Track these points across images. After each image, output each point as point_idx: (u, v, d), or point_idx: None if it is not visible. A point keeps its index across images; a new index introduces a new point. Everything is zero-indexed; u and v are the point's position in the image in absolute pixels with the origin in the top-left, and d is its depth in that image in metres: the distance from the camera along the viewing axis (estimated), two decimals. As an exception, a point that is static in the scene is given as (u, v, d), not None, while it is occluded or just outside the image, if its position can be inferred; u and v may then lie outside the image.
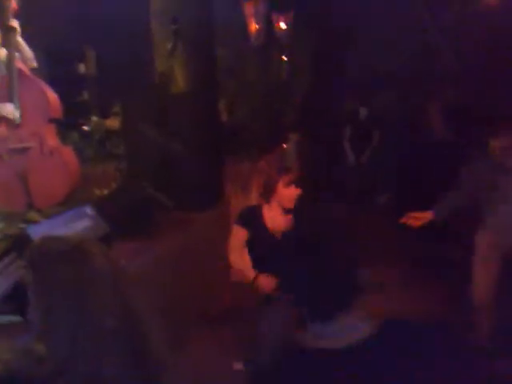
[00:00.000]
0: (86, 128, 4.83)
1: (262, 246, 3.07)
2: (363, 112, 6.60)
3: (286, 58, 7.71)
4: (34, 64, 3.82)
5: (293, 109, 7.42)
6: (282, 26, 7.18)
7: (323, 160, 6.55)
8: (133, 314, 1.56)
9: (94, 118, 4.92)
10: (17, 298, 2.30)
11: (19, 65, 3.68)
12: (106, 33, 4.43)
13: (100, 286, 1.52)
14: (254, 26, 7.05)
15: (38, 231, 2.66)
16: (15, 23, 3.64)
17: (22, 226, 3.53)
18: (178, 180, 4.39)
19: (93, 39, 5.13)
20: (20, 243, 2.64)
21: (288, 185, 3.05)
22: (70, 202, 3.85)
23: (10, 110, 3.65)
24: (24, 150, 3.67)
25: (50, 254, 1.68)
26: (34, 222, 3.72)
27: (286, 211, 3.10)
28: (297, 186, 3.05)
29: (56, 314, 1.53)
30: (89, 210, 3.09)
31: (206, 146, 4.51)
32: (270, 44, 7.42)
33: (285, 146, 5.83)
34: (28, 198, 3.64)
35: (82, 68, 5.88)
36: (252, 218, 3.15)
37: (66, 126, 4.21)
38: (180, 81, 4.37)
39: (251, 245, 3.17)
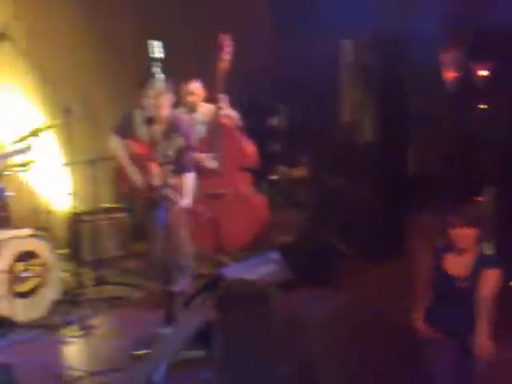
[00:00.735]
0: (274, 177, 5.12)
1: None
2: None
3: (483, 107, 7.22)
4: (239, 122, 4.28)
5: (490, 160, 6.85)
6: (482, 73, 6.79)
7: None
8: (306, 362, 1.56)
9: (282, 168, 5.20)
10: (203, 336, 2.50)
11: (223, 120, 4.14)
12: (297, 88, 4.69)
13: (276, 329, 1.55)
14: (450, 74, 6.83)
15: (230, 273, 2.86)
16: (223, 97, 4.13)
17: (213, 267, 3.84)
18: (361, 229, 4.35)
19: (285, 95, 5.47)
20: (213, 283, 2.87)
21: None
22: (256, 247, 4.07)
23: (209, 160, 4.09)
24: (219, 196, 4.02)
25: (237, 297, 1.79)
26: (223, 265, 4.02)
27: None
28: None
29: (234, 355, 1.61)
30: (275, 256, 3.23)
31: (392, 196, 4.42)
32: (467, 92, 7.06)
33: (478, 199, 5.38)
34: (219, 241, 3.95)
35: (273, 121, 6.29)
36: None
37: (258, 175, 4.53)
38: (368, 130, 4.39)
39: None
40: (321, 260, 3.89)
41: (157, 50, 2.91)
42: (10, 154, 3.29)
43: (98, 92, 4.99)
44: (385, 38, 4.49)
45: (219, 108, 4.18)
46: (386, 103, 4.40)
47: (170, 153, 3.53)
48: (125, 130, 3.71)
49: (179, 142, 3.61)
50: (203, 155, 4.13)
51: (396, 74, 4.52)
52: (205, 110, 4.31)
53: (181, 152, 3.59)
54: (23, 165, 3.99)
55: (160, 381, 2.59)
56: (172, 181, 3.47)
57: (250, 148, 4.27)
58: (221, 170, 4.14)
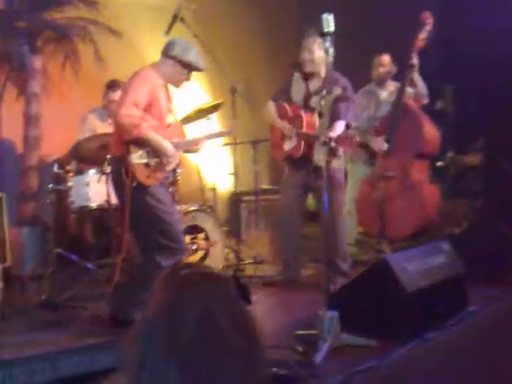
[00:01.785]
0: (439, 163, 4.77)
1: None
2: None
3: None
4: (425, 101, 4.03)
5: None
6: None
7: None
8: None
9: (450, 154, 4.83)
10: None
11: (405, 99, 3.93)
12: (471, 65, 4.28)
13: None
14: None
15: (397, 261, 2.68)
16: (415, 60, 3.90)
17: (375, 254, 3.66)
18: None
19: (454, 76, 5.07)
20: (378, 270, 2.71)
21: None
22: (421, 237, 3.80)
23: (381, 143, 3.90)
24: (387, 179, 3.82)
25: None
26: (383, 252, 3.82)
27: None
28: None
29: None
30: (445, 246, 2.97)
31: None
32: None
33: None
34: (381, 225, 3.76)
35: (438, 104, 5.89)
36: None
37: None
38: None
39: None
40: (495, 254, 3.52)
41: (329, 23, 2.78)
42: (207, 137, 3.37)
43: (259, 75, 5.08)
44: None
45: (406, 85, 3.97)
46: None
47: (323, 103, 3.34)
48: (281, 95, 3.77)
49: (337, 92, 3.43)
50: (372, 138, 3.96)
51: None
52: (392, 87, 4.17)
53: (337, 101, 3.47)
54: (191, 143, 4.20)
55: (320, 362, 2.53)
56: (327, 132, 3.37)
57: (431, 133, 4.00)
58: (393, 153, 3.90)
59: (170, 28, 3.66)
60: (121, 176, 2.92)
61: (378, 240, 3.81)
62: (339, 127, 3.44)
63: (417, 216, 3.72)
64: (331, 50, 2.80)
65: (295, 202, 3.66)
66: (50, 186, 4.10)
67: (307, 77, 3.67)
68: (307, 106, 3.66)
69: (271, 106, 3.80)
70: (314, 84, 3.66)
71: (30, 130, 4.50)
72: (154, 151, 2.96)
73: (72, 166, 4.08)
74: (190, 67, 3.04)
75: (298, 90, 3.72)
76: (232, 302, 0.97)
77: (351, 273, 3.49)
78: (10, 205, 3.98)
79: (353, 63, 4.24)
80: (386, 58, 4.20)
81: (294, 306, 3.39)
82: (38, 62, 4.54)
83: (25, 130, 4.51)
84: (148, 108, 2.92)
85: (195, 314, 0.92)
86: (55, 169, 4.08)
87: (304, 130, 3.53)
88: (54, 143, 4.40)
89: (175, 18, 3.67)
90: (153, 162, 2.97)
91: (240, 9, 5.47)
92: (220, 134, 3.52)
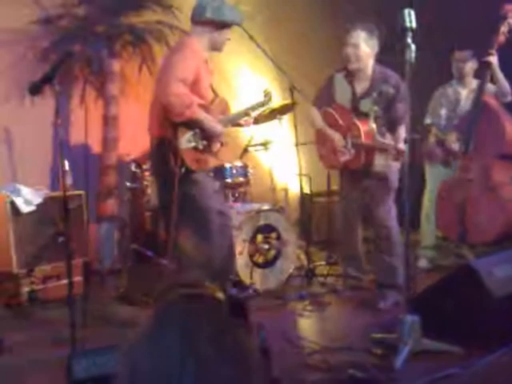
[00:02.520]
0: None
1: None
2: None
3: None
4: (508, 98, 3.83)
5: None
6: None
7: None
8: None
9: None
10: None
11: (485, 97, 3.75)
12: None
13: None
14: None
15: (483, 266, 2.57)
16: (493, 58, 3.71)
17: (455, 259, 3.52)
18: None
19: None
20: (463, 275, 2.61)
21: None
22: (501, 242, 3.62)
23: (454, 141, 3.74)
24: (467, 181, 3.66)
25: None
26: (463, 257, 3.67)
27: None
28: None
29: None
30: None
31: None
32: None
33: None
34: (462, 229, 3.61)
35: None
36: None
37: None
38: None
39: None
40: None
41: (410, 18, 2.70)
42: (253, 108, 3.19)
43: (318, 74, 5.04)
44: None
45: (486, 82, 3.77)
46: None
47: (377, 108, 3.21)
48: (323, 100, 3.45)
49: (389, 93, 3.24)
50: (453, 137, 3.80)
51: None
52: (473, 85, 3.99)
53: (391, 103, 3.24)
54: (263, 144, 4.22)
55: (400, 367, 2.46)
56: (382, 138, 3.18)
57: None
58: (473, 153, 3.72)
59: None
60: (165, 162, 2.69)
61: (458, 244, 3.67)
62: (402, 134, 3.07)
63: (500, 220, 3.54)
64: (413, 47, 2.71)
65: (354, 213, 3.46)
66: (128, 184, 4.25)
67: (351, 77, 3.33)
68: (357, 111, 3.32)
69: (316, 114, 3.47)
70: (361, 84, 3.33)
71: (108, 131, 4.67)
72: (203, 132, 2.76)
73: (148, 165, 4.20)
74: (227, 25, 2.87)
75: (342, 93, 3.38)
76: (219, 326, 0.87)
77: (431, 277, 3.37)
78: (90, 202, 4.15)
79: (434, 60, 4.12)
80: (464, 54, 4.03)
81: (367, 308, 3.32)
82: (116, 66, 4.70)
83: (104, 131, 4.68)
84: (193, 85, 2.70)
85: (175, 339, 0.85)
86: (132, 168, 4.22)
87: (363, 140, 3.19)
88: (131, 143, 4.54)
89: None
90: (201, 144, 2.76)
91: (297, 10, 5.52)
92: (262, 104, 3.25)
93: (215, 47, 2.91)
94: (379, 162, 3.28)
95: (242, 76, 5.30)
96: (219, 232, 2.94)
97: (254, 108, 3.13)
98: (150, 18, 4.67)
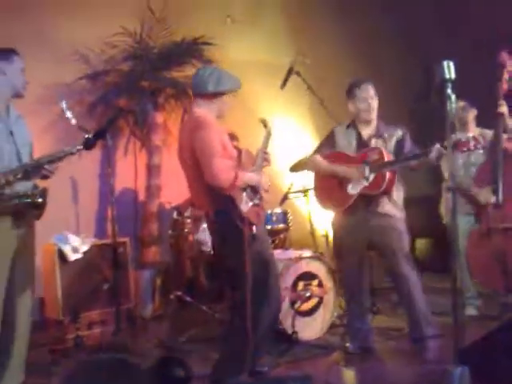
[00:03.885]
0: None
1: None
2: None
3: None
4: None
5: None
6: None
7: None
8: None
9: None
10: None
11: (506, 144, 3.74)
12: None
13: None
14: None
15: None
16: (504, 108, 3.72)
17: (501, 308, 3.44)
18: None
19: None
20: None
21: None
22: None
23: (488, 194, 3.72)
24: (504, 231, 3.61)
25: None
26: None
27: None
28: None
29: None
30: None
31: None
32: None
33: None
34: (506, 280, 3.53)
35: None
36: None
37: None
38: None
39: None
40: None
41: (450, 70, 2.77)
42: (265, 145, 3.10)
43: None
44: None
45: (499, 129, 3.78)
46: None
47: (390, 148, 3.35)
48: (325, 149, 3.50)
49: (398, 134, 3.39)
50: (476, 190, 3.79)
51: None
52: (476, 132, 4.02)
53: (400, 142, 3.37)
54: (303, 191, 4.29)
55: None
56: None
57: None
58: (504, 203, 3.69)
59: (285, 82, 3.81)
60: (233, 230, 2.78)
61: (503, 293, 3.59)
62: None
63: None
64: (453, 97, 2.76)
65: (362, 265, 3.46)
66: (170, 231, 4.35)
67: (356, 126, 3.45)
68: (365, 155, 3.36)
69: (318, 158, 3.49)
70: (367, 131, 3.45)
71: (151, 179, 4.82)
72: (252, 188, 2.90)
73: (189, 213, 4.30)
74: (229, 93, 2.97)
75: (346, 140, 3.46)
76: None
77: (477, 327, 3.30)
78: (132, 249, 4.26)
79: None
80: (465, 103, 4.10)
81: (414, 358, 3.26)
82: (159, 118, 4.90)
83: (147, 179, 4.84)
84: (223, 152, 2.84)
85: None
86: (174, 215, 4.33)
87: (386, 159, 3.26)
88: (173, 191, 4.67)
89: (290, 71, 3.82)
90: (257, 199, 2.90)
91: (345, 55, 5.70)
92: (268, 135, 3.12)
93: (222, 116, 3.02)
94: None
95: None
96: (275, 283, 3.00)
97: (265, 144, 3.09)
98: (192, 72, 4.87)
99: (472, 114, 4.12)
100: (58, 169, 2.96)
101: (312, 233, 4.33)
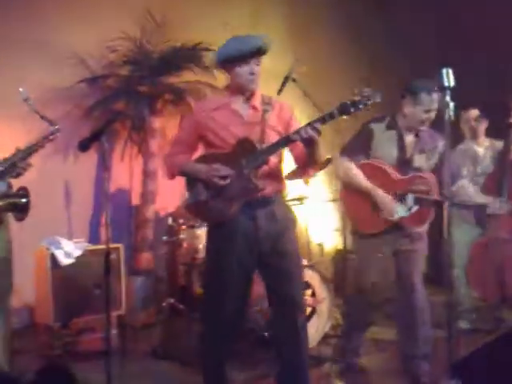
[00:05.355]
0: None
1: None
2: None
3: None
4: None
5: None
6: None
7: None
8: None
9: None
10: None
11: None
12: None
13: None
14: None
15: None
16: None
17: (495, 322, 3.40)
18: None
19: None
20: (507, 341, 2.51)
21: None
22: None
23: (497, 204, 3.69)
24: (503, 241, 3.59)
25: None
26: (502, 321, 3.54)
27: None
28: None
29: None
30: None
31: None
32: None
33: None
34: (502, 291, 3.51)
35: None
36: None
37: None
38: None
39: None
40: None
41: (449, 78, 2.74)
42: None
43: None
44: None
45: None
46: None
47: (432, 162, 3.07)
48: (358, 152, 3.09)
49: (439, 146, 3.04)
50: (490, 199, 3.75)
51: None
52: (487, 143, 4.03)
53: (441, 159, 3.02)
54: (299, 199, 4.24)
55: None
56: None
57: None
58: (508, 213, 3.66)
59: (282, 88, 3.79)
60: None
61: (497, 306, 3.55)
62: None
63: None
64: (452, 105, 2.72)
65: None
66: (164, 237, 4.31)
67: (400, 130, 3.06)
68: (408, 166, 3.04)
69: (353, 168, 3.07)
70: (409, 138, 3.07)
71: (147, 185, 4.78)
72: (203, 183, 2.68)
73: (184, 220, 4.25)
74: (240, 59, 2.47)
75: (386, 147, 3.07)
76: None
77: (471, 341, 3.24)
78: (125, 255, 4.20)
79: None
80: (474, 112, 4.06)
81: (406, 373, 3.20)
82: (156, 123, 4.87)
83: (143, 185, 4.80)
84: (186, 137, 2.72)
85: None
86: (169, 222, 4.28)
87: (435, 196, 2.91)
88: (169, 198, 4.63)
89: (287, 78, 3.79)
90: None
91: (344, 62, 5.70)
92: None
93: (243, 88, 2.55)
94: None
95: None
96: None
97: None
98: (190, 77, 4.86)
99: (484, 125, 4.08)
100: (29, 166, 2.86)
101: (307, 242, 4.29)
